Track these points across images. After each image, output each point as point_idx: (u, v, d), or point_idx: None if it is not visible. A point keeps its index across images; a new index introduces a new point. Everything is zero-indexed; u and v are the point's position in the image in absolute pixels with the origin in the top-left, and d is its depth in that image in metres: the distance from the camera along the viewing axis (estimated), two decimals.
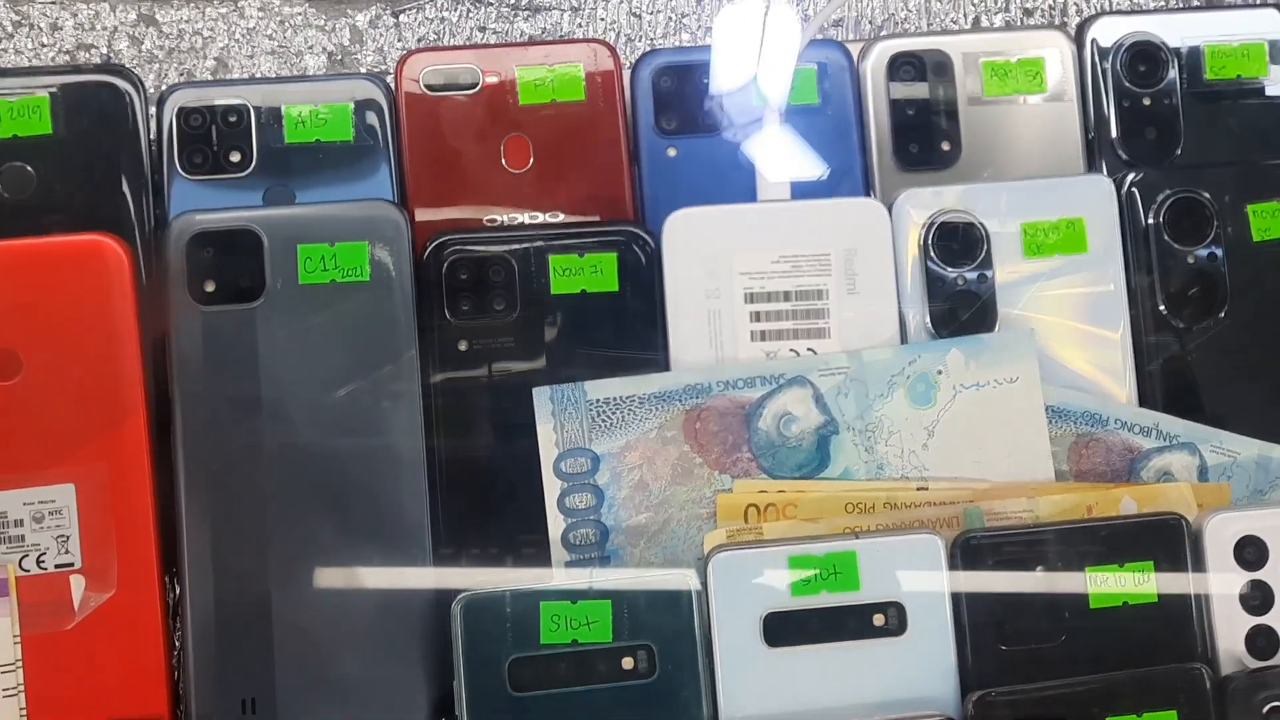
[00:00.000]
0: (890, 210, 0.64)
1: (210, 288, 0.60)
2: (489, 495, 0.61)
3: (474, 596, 0.57)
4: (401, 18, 0.71)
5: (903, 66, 0.67)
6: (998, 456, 0.63)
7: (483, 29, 0.73)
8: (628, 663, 0.57)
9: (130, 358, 0.58)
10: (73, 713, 0.57)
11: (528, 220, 0.64)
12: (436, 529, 0.60)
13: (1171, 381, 0.64)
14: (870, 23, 0.74)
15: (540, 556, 0.61)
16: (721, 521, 0.62)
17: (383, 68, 0.71)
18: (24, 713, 0.57)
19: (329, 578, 0.58)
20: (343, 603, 0.58)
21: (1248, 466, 0.64)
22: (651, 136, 0.65)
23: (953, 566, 0.59)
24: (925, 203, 0.64)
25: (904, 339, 0.64)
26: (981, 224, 0.64)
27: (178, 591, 0.58)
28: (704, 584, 0.58)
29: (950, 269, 0.64)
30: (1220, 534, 0.60)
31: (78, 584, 0.58)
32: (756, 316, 0.63)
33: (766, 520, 0.62)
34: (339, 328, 0.60)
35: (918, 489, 0.62)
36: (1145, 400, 0.64)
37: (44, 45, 0.71)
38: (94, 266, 0.58)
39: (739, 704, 0.58)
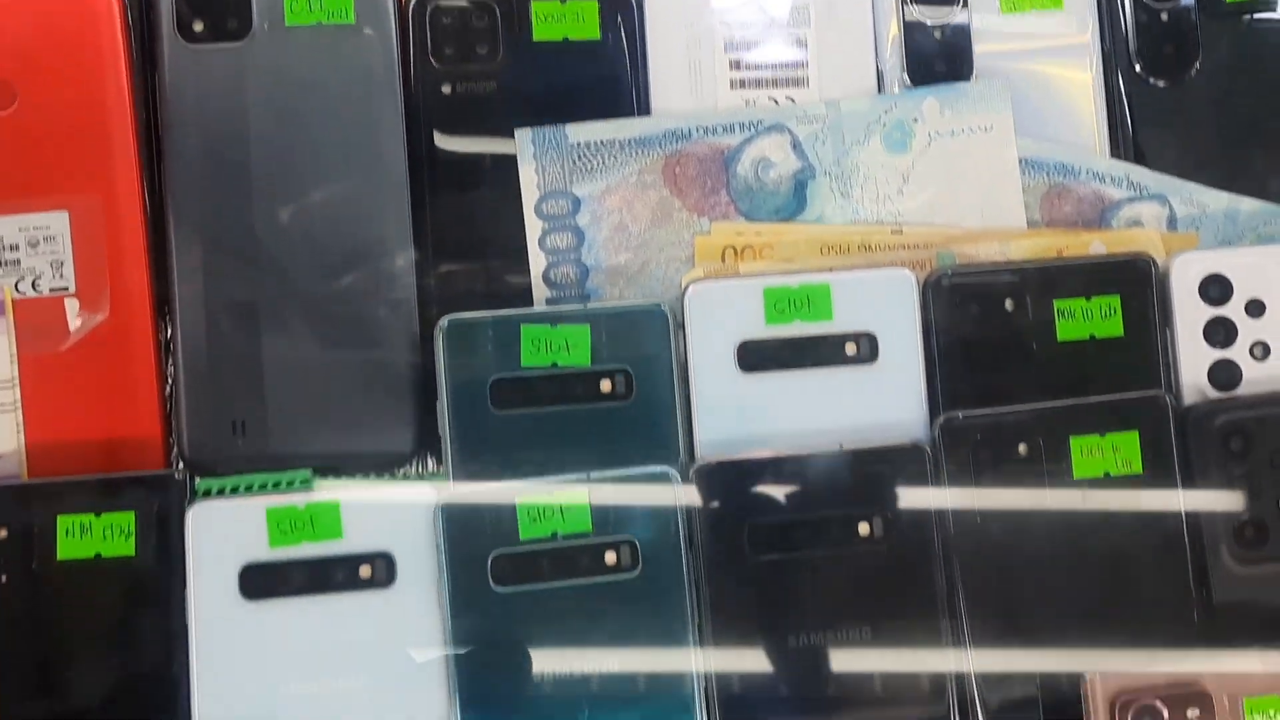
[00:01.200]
0: None
1: (198, 26, 0.61)
2: (472, 235, 0.63)
3: (457, 318, 0.59)
4: None
5: None
6: (971, 204, 0.64)
7: None
8: (605, 385, 0.59)
9: (120, 92, 0.60)
10: (68, 430, 0.59)
11: None
12: (422, 265, 0.61)
13: (1143, 135, 0.66)
14: None
15: (522, 296, 0.63)
16: (699, 262, 0.63)
17: None
18: (21, 429, 0.59)
19: (317, 306, 0.60)
20: (331, 331, 0.60)
21: (1216, 218, 0.65)
22: None
23: (924, 300, 0.61)
24: None
25: (881, 90, 0.65)
26: None
27: (169, 318, 0.60)
28: (681, 314, 0.60)
29: (928, 19, 0.65)
30: (1186, 272, 0.62)
31: (72, 307, 0.60)
32: (736, 65, 0.64)
33: (743, 261, 0.63)
34: (324, 69, 0.61)
35: (892, 233, 0.64)
36: (1117, 153, 0.66)
37: None
38: (86, 1, 0.60)
39: (714, 428, 0.60)
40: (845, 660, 0.57)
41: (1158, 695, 0.54)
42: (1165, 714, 0.54)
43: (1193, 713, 0.54)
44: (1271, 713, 0.54)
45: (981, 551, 0.58)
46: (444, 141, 0.62)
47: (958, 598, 0.57)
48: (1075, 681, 0.56)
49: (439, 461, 0.60)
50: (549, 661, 0.56)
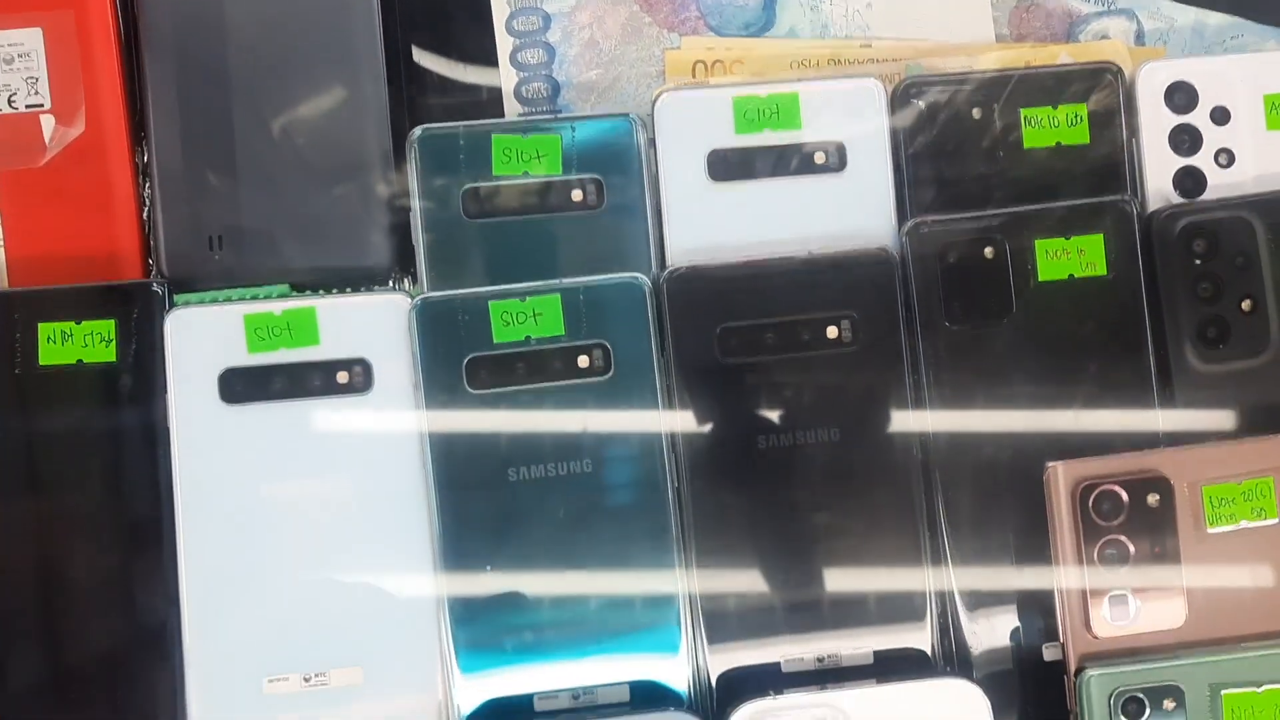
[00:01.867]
0: None
1: None
2: (443, 49, 0.63)
3: (429, 129, 0.59)
4: None
5: None
6: (940, 18, 0.65)
7: None
8: (577, 195, 0.60)
9: None
10: (47, 245, 0.60)
11: None
12: (394, 80, 0.62)
13: None
14: None
15: (494, 113, 0.63)
16: (669, 78, 0.64)
17: None
18: (1, 243, 0.60)
19: (291, 122, 0.61)
20: (305, 146, 0.61)
21: (1183, 32, 0.66)
22: None
23: (893, 108, 0.61)
24: None
25: None
26: None
27: (144, 139, 0.61)
28: (651, 124, 0.61)
29: None
30: (1151, 80, 0.62)
31: (48, 124, 0.60)
32: None
33: (713, 76, 0.64)
34: None
35: (861, 47, 0.64)
36: None
37: None
38: None
39: (685, 236, 0.60)
40: (813, 461, 0.59)
41: (1118, 481, 0.55)
42: (1125, 499, 0.55)
43: (1153, 499, 0.55)
44: (1229, 499, 0.56)
45: (949, 353, 0.59)
46: None
47: (925, 397, 0.59)
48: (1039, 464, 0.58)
49: (414, 281, 0.61)
50: (524, 458, 0.58)
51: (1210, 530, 0.55)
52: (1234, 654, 0.54)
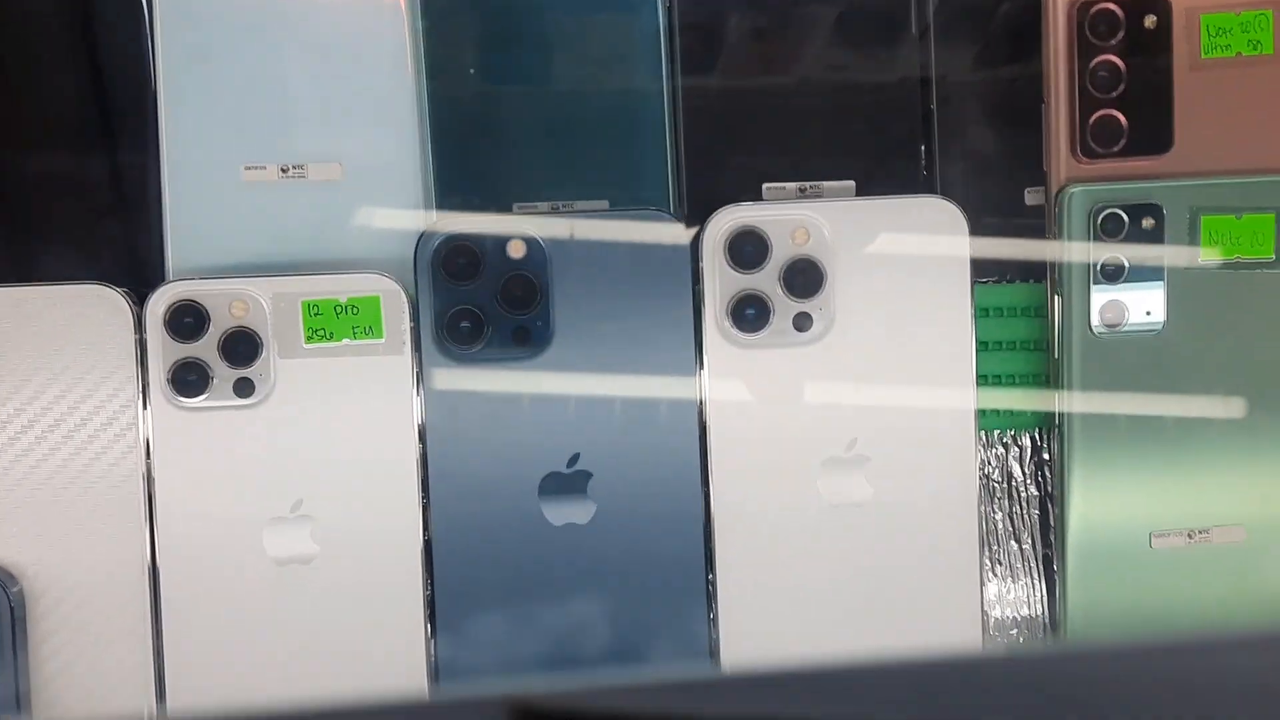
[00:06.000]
0: None
1: None
2: None
3: None
4: None
5: None
6: None
7: None
8: None
9: None
10: None
11: None
12: None
13: None
14: None
15: None
16: None
17: None
18: None
19: None
20: None
21: None
22: None
23: None
24: None
25: None
26: None
27: None
28: None
29: None
30: None
31: None
32: None
33: None
34: None
35: None
36: None
37: None
38: None
39: None
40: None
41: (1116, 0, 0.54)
42: (1121, 17, 0.54)
43: (1150, 20, 0.54)
44: (1226, 29, 0.55)
45: None
46: None
47: None
48: None
49: None
50: None
51: (1205, 59, 0.55)
52: (1215, 180, 0.54)
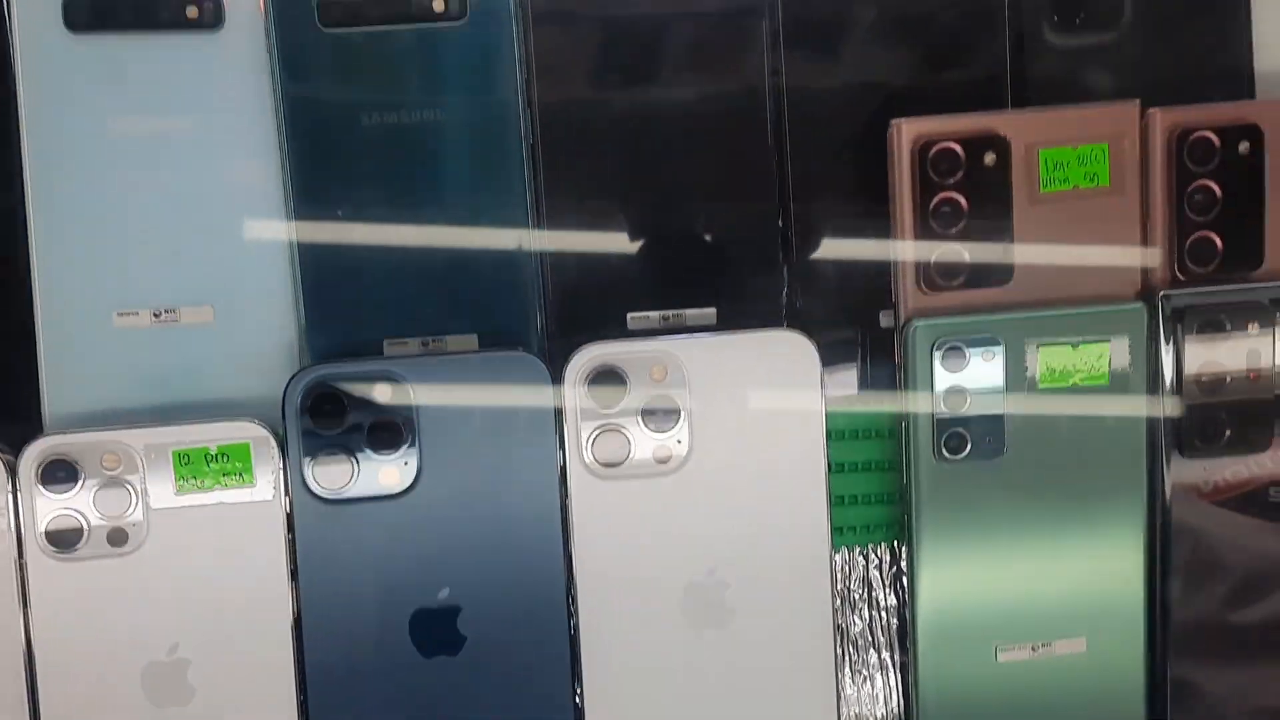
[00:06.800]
0: None
1: None
2: None
3: None
4: None
5: None
6: None
7: None
8: None
9: None
10: None
11: None
12: None
13: None
14: None
15: None
16: None
17: None
18: None
19: None
20: None
21: None
22: None
23: None
24: None
25: None
26: None
27: None
28: None
29: None
30: None
31: None
32: None
33: None
34: None
35: None
36: None
37: None
38: None
39: None
40: (673, 117, 0.59)
41: (957, 139, 0.56)
42: (963, 157, 0.56)
43: (989, 158, 0.56)
44: (1063, 162, 0.57)
45: None
46: None
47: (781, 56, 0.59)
48: None
49: None
50: (376, 102, 0.57)
51: (1043, 193, 0.57)
52: (1052, 311, 0.57)
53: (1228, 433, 0.58)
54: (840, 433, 0.60)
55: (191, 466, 0.55)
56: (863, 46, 0.59)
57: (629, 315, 0.59)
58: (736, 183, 0.59)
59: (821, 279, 0.60)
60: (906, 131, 0.56)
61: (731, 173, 0.59)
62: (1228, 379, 0.57)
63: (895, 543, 0.60)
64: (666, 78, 0.59)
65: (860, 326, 0.60)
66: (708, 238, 0.59)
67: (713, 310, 0.60)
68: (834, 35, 0.59)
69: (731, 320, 0.59)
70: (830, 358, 0.58)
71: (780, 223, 0.59)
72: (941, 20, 0.59)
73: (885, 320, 0.60)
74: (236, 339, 0.58)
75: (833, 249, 0.59)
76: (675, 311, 0.60)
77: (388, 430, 0.56)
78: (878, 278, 0.59)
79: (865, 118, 0.59)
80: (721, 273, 0.60)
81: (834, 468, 0.59)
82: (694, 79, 0.59)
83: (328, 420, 0.56)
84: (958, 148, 0.56)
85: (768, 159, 0.59)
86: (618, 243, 0.60)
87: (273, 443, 0.55)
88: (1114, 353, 0.57)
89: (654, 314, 0.60)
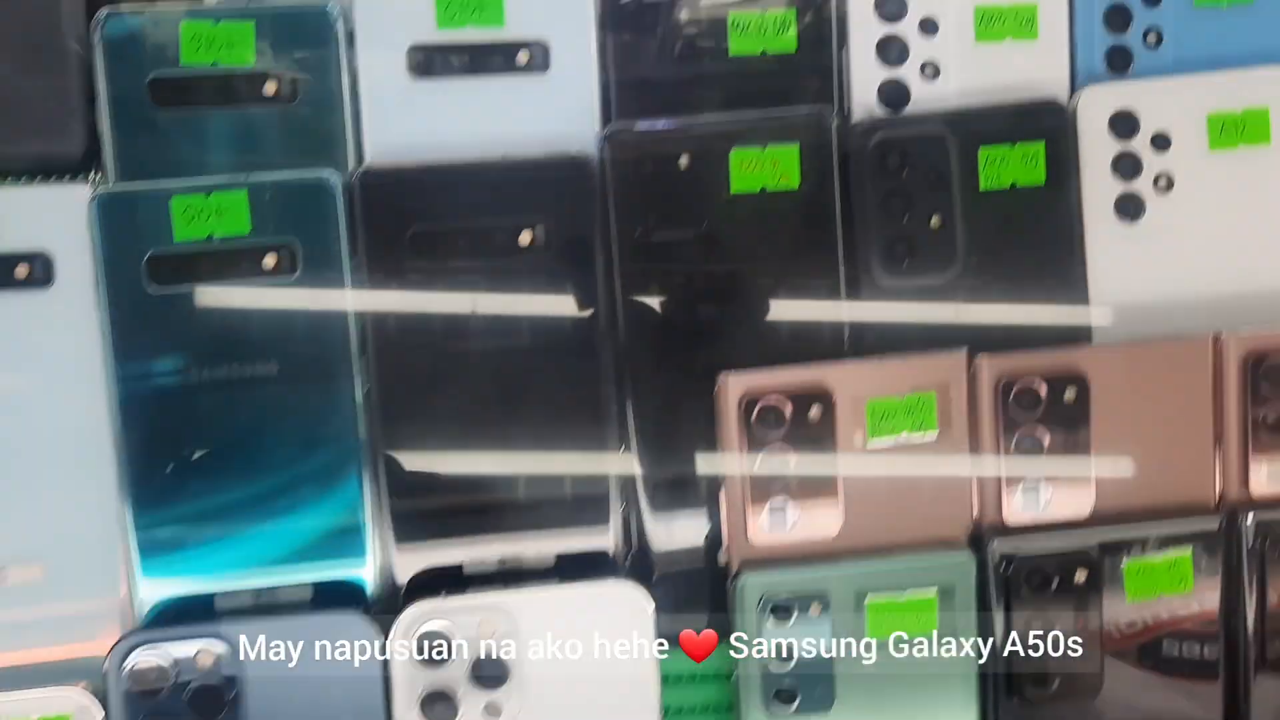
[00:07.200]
0: None
1: None
2: None
3: (116, 14, 0.57)
4: None
5: None
6: None
7: None
8: (270, 87, 0.59)
9: None
10: None
11: None
12: None
13: None
14: None
15: None
16: None
17: None
18: None
19: None
20: None
21: None
22: None
23: (601, 12, 0.61)
24: None
25: None
26: None
27: None
28: (351, 17, 0.59)
29: None
30: None
31: None
32: None
33: None
34: None
35: None
36: None
37: None
38: None
39: (384, 135, 0.59)
40: (504, 362, 0.59)
41: (782, 394, 0.57)
42: (788, 412, 0.57)
43: (815, 411, 0.57)
44: (891, 413, 0.58)
45: (641, 262, 0.60)
46: None
47: (616, 305, 0.60)
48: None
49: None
50: (206, 359, 0.58)
51: (871, 442, 0.58)
52: (878, 562, 0.57)
53: (1057, 680, 0.58)
54: (676, 676, 0.60)
55: None
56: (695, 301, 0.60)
57: (464, 561, 0.60)
58: (574, 424, 0.60)
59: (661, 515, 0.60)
60: (733, 386, 0.57)
61: (567, 416, 0.60)
62: (1057, 625, 0.58)
63: None
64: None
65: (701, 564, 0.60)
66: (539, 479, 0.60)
67: (551, 555, 0.60)
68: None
69: (568, 565, 0.60)
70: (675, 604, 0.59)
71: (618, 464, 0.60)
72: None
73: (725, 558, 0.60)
74: (66, 598, 0.57)
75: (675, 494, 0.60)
76: (512, 556, 0.60)
77: (209, 697, 0.56)
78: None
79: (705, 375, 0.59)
80: (558, 512, 0.60)
81: (671, 711, 0.60)
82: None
83: (150, 687, 0.55)
84: (782, 402, 0.57)
85: (605, 405, 0.60)
86: (456, 487, 0.60)
87: (95, 713, 0.55)
88: (942, 601, 0.58)
89: (491, 557, 0.60)
